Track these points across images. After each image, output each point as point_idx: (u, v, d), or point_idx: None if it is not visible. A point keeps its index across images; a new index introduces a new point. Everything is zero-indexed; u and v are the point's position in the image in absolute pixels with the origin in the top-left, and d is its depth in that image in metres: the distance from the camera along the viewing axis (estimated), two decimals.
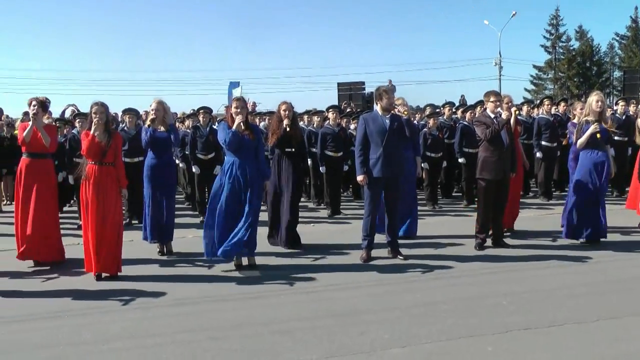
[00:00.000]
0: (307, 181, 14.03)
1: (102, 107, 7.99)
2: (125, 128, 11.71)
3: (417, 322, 6.04)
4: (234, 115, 8.13)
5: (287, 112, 9.37)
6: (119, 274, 7.95)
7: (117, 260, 7.97)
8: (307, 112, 14.83)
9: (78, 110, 15.04)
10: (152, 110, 8.91)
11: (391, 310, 6.44)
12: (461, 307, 6.49)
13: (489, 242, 9.19)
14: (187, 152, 12.28)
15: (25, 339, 5.95)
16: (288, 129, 9.27)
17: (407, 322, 6.06)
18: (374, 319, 6.16)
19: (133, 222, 11.56)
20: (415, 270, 8.01)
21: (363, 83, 30.14)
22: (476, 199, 10.80)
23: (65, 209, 13.02)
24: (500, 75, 50.74)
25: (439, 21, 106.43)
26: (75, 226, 11.47)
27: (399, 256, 8.60)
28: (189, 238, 10.01)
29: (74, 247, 9.54)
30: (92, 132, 7.92)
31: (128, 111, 12.25)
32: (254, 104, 21.29)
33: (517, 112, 9.48)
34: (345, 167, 13.21)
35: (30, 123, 8.73)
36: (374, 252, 8.66)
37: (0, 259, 8.98)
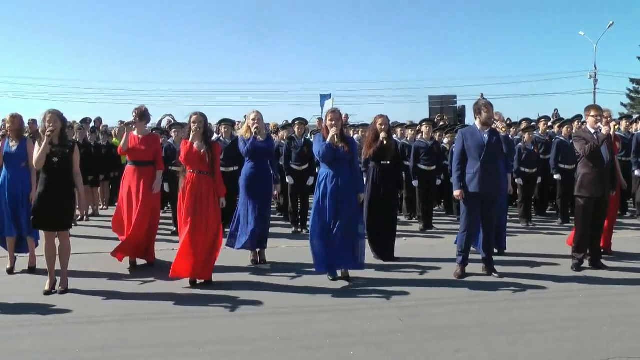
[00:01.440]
0: (400, 195, 13.98)
1: (200, 117, 8.17)
2: (221, 138, 11.92)
3: (514, 342, 5.93)
4: (328, 127, 8.18)
5: (383, 126, 9.39)
6: (213, 280, 8.12)
7: (211, 267, 8.13)
8: (400, 125, 14.80)
9: (174, 120, 15.44)
10: (255, 120, 9.04)
11: (487, 327, 6.35)
12: (559, 329, 6.32)
13: (586, 263, 8.93)
14: (281, 163, 12.40)
15: (123, 338, 6.16)
16: (385, 142, 9.28)
17: (504, 340, 5.96)
18: (470, 337, 6.08)
19: (226, 230, 11.74)
20: (510, 289, 7.86)
21: (455, 96, 29.87)
22: (572, 218, 10.56)
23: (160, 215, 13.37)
24: (595, 89, 49.20)
25: (531, 34, 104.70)
26: (169, 232, 11.80)
27: (493, 273, 8.47)
28: (281, 248, 10.13)
29: (168, 252, 9.81)
30: (190, 140, 8.13)
31: (224, 121, 12.50)
32: (347, 116, 21.35)
33: (616, 127, 9.22)
34: (438, 181, 13.04)
35: (126, 132, 9.05)
36: (468, 268, 8.56)
37: (98, 261, 9.29)
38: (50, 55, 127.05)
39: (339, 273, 8.31)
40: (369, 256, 9.19)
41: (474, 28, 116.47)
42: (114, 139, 15.53)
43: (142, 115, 9.21)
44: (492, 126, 8.44)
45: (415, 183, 12.68)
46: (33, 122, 13.62)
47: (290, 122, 14.06)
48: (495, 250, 9.17)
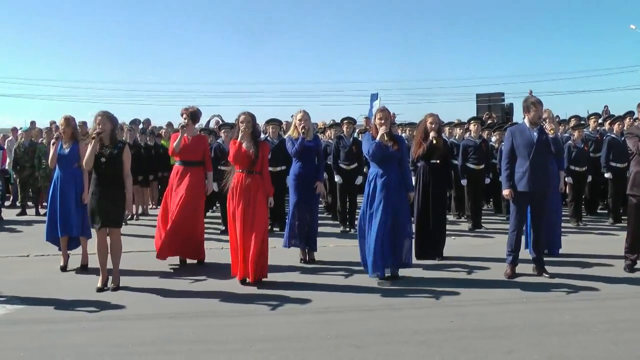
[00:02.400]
0: (449, 194, 13.88)
1: (249, 117, 8.21)
2: (269, 138, 11.98)
3: (567, 344, 5.84)
4: (377, 126, 8.18)
5: (433, 125, 9.34)
6: (263, 279, 8.15)
7: (262, 266, 8.16)
8: (448, 124, 14.70)
9: (223, 121, 15.57)
10: (302, 120, 9.09)
11: (538, 328, 6.26)
12: (612, 331, 6.20)
13: (639, 264, 8.76)
14: (329, 162, 12.40)
15: (175, 334, 6.25)
16: (434, 142, 9.23)
17: (556, 342, 5.87)
18: (521, 338, 6.01)
19: (275, 229, 11.82)
20: (561, 290, 7.75)
21: (502, 94, 29.41)
22: (624, 217, 10.37)
23: (208, 214, 13.48)
24: None
25: (580, 29, 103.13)
26: (219, 231, 11.90)
27: (544, 274, 8.37)
28: (330, 247, 10.14)
29: (217, 251, 10.01)
30: (239, 140, 8.18)
31: (271, 121, 12.57)
32: (394, 115, 21.31)
33: None
34: (487, 180, 12.90)
35: (180, 133, 9.14)
36: (518, 269, 8.47)
37: (149, 259, 9.40)
38: (100, 59, 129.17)
39: (388, 272, 8.27)
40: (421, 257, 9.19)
41: (521, 25, 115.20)
42: (163, 140, 15.72)
43: (193, 115, 9.30)
44: (542, 126, 8.33)
45: (463, 182, 12.59)
46: (83, 124, 13.86)
47: (337, 121, 14.06)
48: (545, 252, 9.01)
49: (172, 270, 8.99)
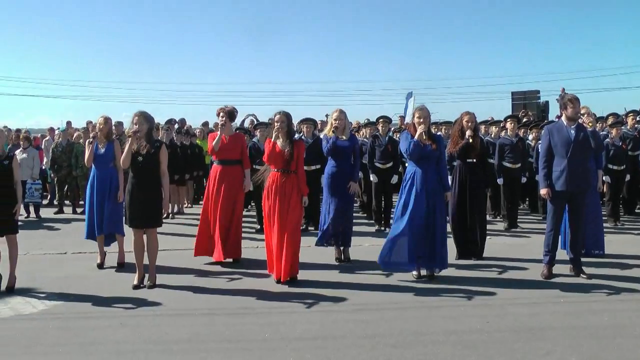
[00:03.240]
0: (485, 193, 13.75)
1: (284, 116, 8.22)
2: (303, 137, 11.97)
3: (606, 346, 5.76)
4: (416, 124, 8.14)
5: (469, 123, 9.27)
6: (293, 278, 8.17)
7: (292, 265, 8.16)
8: (484, 122, 14.58)
9: (257, 120, 15.61)
10: (337, 119, 9.08)
11: (576, 330, 6.18)
12: None
13: None
14: (364, 161, 12.37)
15: (212, 332, 6.28)
16: (471, 140, 9.15)
17: (595, 345, 5.79)
18: (559, 339, 5.93)
19: (309, 228, 11.82)
20: (599, 291, 7.64)
21: (538, 92, 29.05)
22: None
23: (243, 213, 13.56)
24: None
25: (616, 25, 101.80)
26: (254, 230, 11.94)
27: (582, 275, 8.26)
28: (365, 246, 10.11)
29: (252, 249, 10.01)
30: (273, 140, 8.20)
31: (305, 121, 12.58)
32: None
33: None
34: (523, 179, 12.72)
35: (219, 132, 9.18)
36: (555, 269, 8.35)
37: (185, 258, 9.48)
38: (134, 60, 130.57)
39: (423, 271, 8.24)
40: (453, 254, 9.10)
41: (556, 21, 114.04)
42: (198, 140, 15.81)
43: (231, 115, 9.34)
44: (579, 121, 8.23)
45: (499, 181, 12.43)
46: (119, 124, 13.99)
47: (372, 120, 14.01)
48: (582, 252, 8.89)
49: (207, 269, 9.01)
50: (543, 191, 8.29)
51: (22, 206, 8.50)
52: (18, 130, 18.27)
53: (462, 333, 6.10)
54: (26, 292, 7.93)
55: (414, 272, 8.22)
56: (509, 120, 13.05)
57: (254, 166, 11.28)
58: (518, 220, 12.53)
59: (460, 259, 9.28)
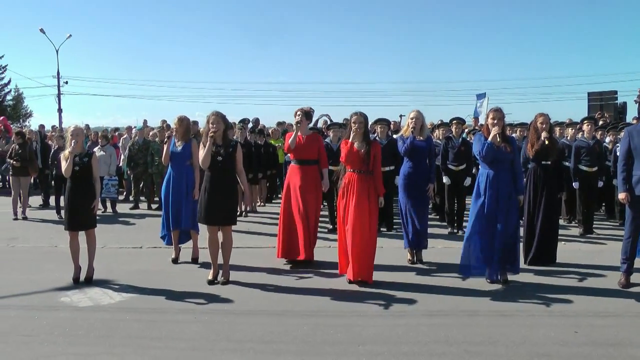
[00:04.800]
0: (559, 197, 13.45)
1: (361, 117, 8.20)
2: (377, 138, 11.93)
3: None
4: (490, 126, 8.04)
5: (544, 125, 9.10)
6: (368, 279, 8.13)
7: (369, 266, 8.15)
8: (560, 124, 14.29)
9: (331, 120, 15.65)
10: (413, 119, 9.05)
11: None
12: None
13: None
14: (437, 163, 12.22)
15: (284, 332, 6.31)
16: (546, 142, 8.99)
17: None
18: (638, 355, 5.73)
19: (382, 229, 11.79)
20: None
21: (615, 92, 28.35)
22: None
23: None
24: None
25: None
26: (326, 230, 11.97)
27: None
28: (438, 249, 10.03)
29: (325, 249, 10.06)
30: (351, 140, 8.21)
31: (380, 121, 12.53)
32: None
33: None
34: (600, 183, 12.40)
35: (295, 130, 9.24)
36: (633, 278, 8.09)
37: (258, 255, 9.63)
38: (207, 60, 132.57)
39: (497, 276, 8.13)
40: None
41: (635, 18, 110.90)
42: (272, 139, 15.95)
43: (307, 115, 9.40)
44: None
45: (575, 185, 12.16)
46: (195, 123, 14.24)
47: (445, 121, 13.90)
48: None
49: (280, 267, 9.09)
50: (621, 196, 8.06)
51: (99, 201, 8.72)
52: (104, 130, 18.78)
53: (536, 342, 5.97)
54: (103, 284, 8.18)
55: (488, 277, 8.13)
56: (585, 122, 12.74)
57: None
58: (594, 225, 12.24)
59: (531, 265, 9.13)
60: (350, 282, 8.10)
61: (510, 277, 8.14)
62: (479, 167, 8.37)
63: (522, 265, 8.77)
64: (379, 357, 5.65)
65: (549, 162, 9.27)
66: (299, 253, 9.12)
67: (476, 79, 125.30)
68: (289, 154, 9.63)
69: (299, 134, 9.20)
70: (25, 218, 14.48)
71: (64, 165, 8.09)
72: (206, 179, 8.09)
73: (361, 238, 7.97)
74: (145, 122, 19.78)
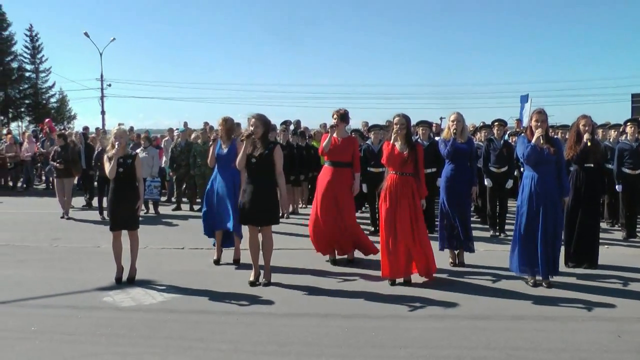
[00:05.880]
0: (602, 200, 13.22)
1: (403, 119, 8.20)
2: (419, 139, 11.87)
3: None
4: (533, 128, 7.98)
5: (587, 127, 8.99)
6: (429, 277, 8.28)
7: (428, 265, 8.28)
8: (602, 126, 14.10)
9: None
10: (454, 122, 9.03)
11: None
12: None
13: None
14: (479, 165, 12.15)
15: (326, 333, 6.32)
16: (589, 144, 8.88)
17: None
18: None
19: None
20: None
21: None
22: None
23: (357, 214, 13.60)
24: None
25: None
26: (368, 232, 11.96)
27: None
28: (480, 252, 9.93)
29: None
30: (392, 142, 8.20)
31: (421, 123, 12.47)
32: None
33: None
34: None
35: (329, 133, 9.25)
36: None
37: (299, 257, 9.69)
38: (249, 62, 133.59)
39: (539, 278, 8.07)
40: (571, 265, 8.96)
41: None
42: (314, 141, 15.98)
43: (343, 117, 9.40)
44: None
45: (618, 188, 11.96)
46: (238, 125, 14.33)
47: (488, 123, 13.79)
48: None
49: (323, 269, 9.14)
50: None
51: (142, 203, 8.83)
52: (146, 132, 19.02)
53: (579, 347, 5.91)
54: (146, 284, 8.29)
55: (530, 279, 8.06)
56: (629, 124, 12.46)
57: (368, 168, 11.34)
58: (637, 229, 12.05)
59: (571, 267, 9.08)
60: (393, 283, 8.15)
61: (553, 281, 8.07)
62: (523, 169, 8.31)
63: (562, 268, 8.74)
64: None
65: (592, 165, 9.16)
66: (332, 251, 9.45)
67: (518, 81, 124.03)
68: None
69: (334, 136, 9.22)
70: (69, 218, 14.72)
71: (107, 167, 8.21)
72: (245, 181, 8.18)
73: (405, 240, 8.04)
74: (185, 124, 19.93)
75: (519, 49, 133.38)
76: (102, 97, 53.67)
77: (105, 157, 8.40)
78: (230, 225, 9.23)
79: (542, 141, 7.85)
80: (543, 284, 8.02)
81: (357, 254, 9.63)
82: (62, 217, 14.72)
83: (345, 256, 9.62)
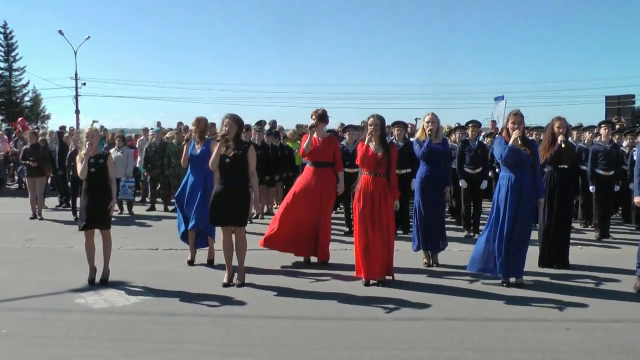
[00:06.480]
0: (575, 201, 13.32)
1: (377, 120, 8.22)
2: (394, 140, 11.89)
3: None
4: (510, 129, 8.03)
5: (561, 129, 9.06)
6: (387, 278, 8.23)
7: (388, 266, 8.25)
8: (577, 128, 14.21)
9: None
10: (429, 123, 9.03)
11: None
12: None
13: None
14: (453, 166, 12.18)
15: (301, 335, 6.31)
16: (563, 146, 8.95)
17: None
18: None
19: (398, 232, 11.73)
20: None
21: (632, 96, 28.22)
22: None
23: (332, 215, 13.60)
24: None
25: None
26: (342, 232, 11.98)
27: None
28: (454, 252, 9.98)
29: (342, 252, 10.08)
30: (366, 142, 8.20)
31: (397, 124, 12.50)
32: None
33: None
34: (617, 187, 12.27)
35: (309, 134, 9.24)
36: None
37: (273, 258, 9.59)
38: (225, 62, 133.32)
39: (512, 278, 8.12)
40: (536, 261, 9.07)
41: None
42: (289, 141, 15.94)
43: (322, 117, 9.39)
44: None
45: (592, 189, 12.07)
46: (212, 125, 14.27)
47: (462, 124, 13.85)
48: None
49: (296, 270, 9.12)
50: (637, 199, 8.03)
51: (115, 203, 8.75)
52: (121, 132, 18.90)
53: (551, 346, 5.94)
54: (119, 285, 8.21)
55: (503, 279, 8.10)
56: (602, 125, 12.60)
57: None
58: (610, 230, 12.18)
59: (545, 268, 9.14)
60: (366, 284, 8.14)
61: (526, 281, 8.16)
62: (498, 170, 8.36)
63: (536, 268, 8.89)
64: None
65: (566, 166, 9.23)
66: (309, 252, 9.37)
67: (493, 82, 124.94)
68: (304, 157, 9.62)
69: (314, 136, 9.20)
70: (41, 219, 14.57)
71: (79, 167, 8.13)
72: (216, 180, 8.16)
73: (377, 241, 8.03)
74: (159, 123, 19.84)
75: (494, 51, 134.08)
76: (76, 96, 53.24)
77: (77, 157, 8.32)
78: (201, 225, 9.19)
79: (519, 143, 7.89)
80: (516, 284, 8.07)
81: (332, 255, 9.61)
82: (33, 218, 14.53)
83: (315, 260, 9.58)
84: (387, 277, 8.23)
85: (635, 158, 8.48)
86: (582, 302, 7.44)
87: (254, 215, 13.45)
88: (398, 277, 8.42)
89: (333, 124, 15.83)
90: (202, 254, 9.57)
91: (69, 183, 15.51)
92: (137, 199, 17.11)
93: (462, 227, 12.50)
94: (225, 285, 8.11)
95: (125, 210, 15.49)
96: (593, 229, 12.42)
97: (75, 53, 51.17)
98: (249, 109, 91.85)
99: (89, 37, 51.55)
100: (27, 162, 14.79)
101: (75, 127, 28.93)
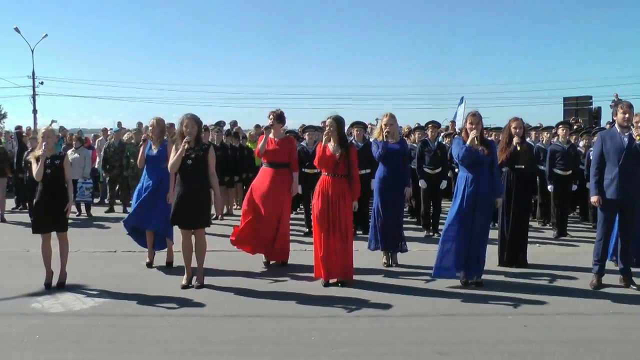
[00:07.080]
0: (533, 200, 13.48)
1: (334, 121, 8.23)
2: (354, 141, 11.94)
3: None
4: (468, 130, 8.08)
5: (518, 129, 9.16)
6: (347, 280, 8.22)
7: (347, 268, 8.24)
8: (535, 128, 14.40)
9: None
10: (387, 125, 9.04)
11: (628, 343, 6.03)
12: None
13: None
14: (413, 166, 12.23)
15: (258, 335, 6.29)
16: (519, 147, 9.04)
17: None
18: (609, 353, 5.77)
19: (358, 232, 11.76)
20: None
21: (590, 97, 28.55)
22: None
23: (292, 216, 13.58)
24: None
25: None
26: (302, 233, 11.96)
27: (632, 285, 8.07)
28: (413, 252, 9.99)
29: (301, 252, 10.06)
30: (324, 143, 8.20)
31: (356, 124, 12.53)
32: None
33: None
34: (574, 187, 12.48)
35: (265, 134, 9.20)
36: (605, 279, 8.17)
37: (232, 259, 9.59)
38: (187, 62, 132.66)
39: (472, 278, 8.18)
40: (496, 260, 9.19)
41: (610, 26, 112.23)
42: (248, 142, 15.88)
43: (279, 117, 9.35)
44: (631, 131, 8.03)
45: (550, 188, 12.22)
46: (171, 126, 14.16)
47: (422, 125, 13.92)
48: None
49: (255, 271, 9.07)
50: (594, 199, 8.13)
51: (73, 205, 8.62)
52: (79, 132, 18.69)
53: (509, 342, 6.01)
54: (76, 289, 8.10)
55: (462, 279, 8.16)
56: (560, 126, 12.78)
57: (303, 169, 11.27)
58: (568, 228, 12.35)
59: (504, 266, 9.23)
60: (326, 284, 8.13)
61: (484, 279, 8.22)
62: (458, 170, 8.42)
63: (495, 267, 8.98)
64: (353, 359, 5.67)
65: (523, 166, 9.33)
66: (268, 253, 9.36)
67: (453, 83, 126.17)
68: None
69: (270, 137, 9.18)
70: (3, 220, 14.36)
71: (34, 168, 7.99)
72: (177, 182, 8.08)
73: (335, 241, 8.05)
74: (119, 124, 19.62)
75: (456, 53, 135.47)
76: (33, 96, 52.31)
77: (31, 157, 8.19)
78: (160, 226, 9.13)
79: (476, 142, 7.95)
80: (474, 283, 8.14)
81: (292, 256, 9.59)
82: None
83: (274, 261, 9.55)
84: (346, 278, 8.23)
85: (591, 158, 8.58)
86: (540, 299, 7.52)
87: (214, 216, 13.36)
88: (357, 277, 8.42)
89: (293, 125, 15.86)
90: (161, 256, 9.48)
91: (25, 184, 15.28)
92: (96, 200, 16.92)
93: (421, 227, 12.56)
94: (185, 287, 8.05)
95: (84, 212, 15.29)
96: (551, 227, 12.58)
97: (32, 51, 50.34)
98: (206, 109, 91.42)
99: (46, 35, 50.66)
100: None
101: (32, 127, 28.50)
